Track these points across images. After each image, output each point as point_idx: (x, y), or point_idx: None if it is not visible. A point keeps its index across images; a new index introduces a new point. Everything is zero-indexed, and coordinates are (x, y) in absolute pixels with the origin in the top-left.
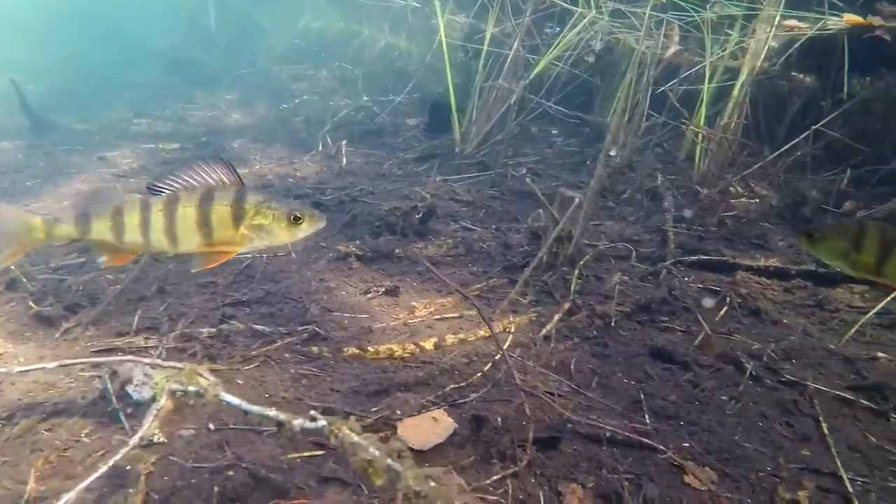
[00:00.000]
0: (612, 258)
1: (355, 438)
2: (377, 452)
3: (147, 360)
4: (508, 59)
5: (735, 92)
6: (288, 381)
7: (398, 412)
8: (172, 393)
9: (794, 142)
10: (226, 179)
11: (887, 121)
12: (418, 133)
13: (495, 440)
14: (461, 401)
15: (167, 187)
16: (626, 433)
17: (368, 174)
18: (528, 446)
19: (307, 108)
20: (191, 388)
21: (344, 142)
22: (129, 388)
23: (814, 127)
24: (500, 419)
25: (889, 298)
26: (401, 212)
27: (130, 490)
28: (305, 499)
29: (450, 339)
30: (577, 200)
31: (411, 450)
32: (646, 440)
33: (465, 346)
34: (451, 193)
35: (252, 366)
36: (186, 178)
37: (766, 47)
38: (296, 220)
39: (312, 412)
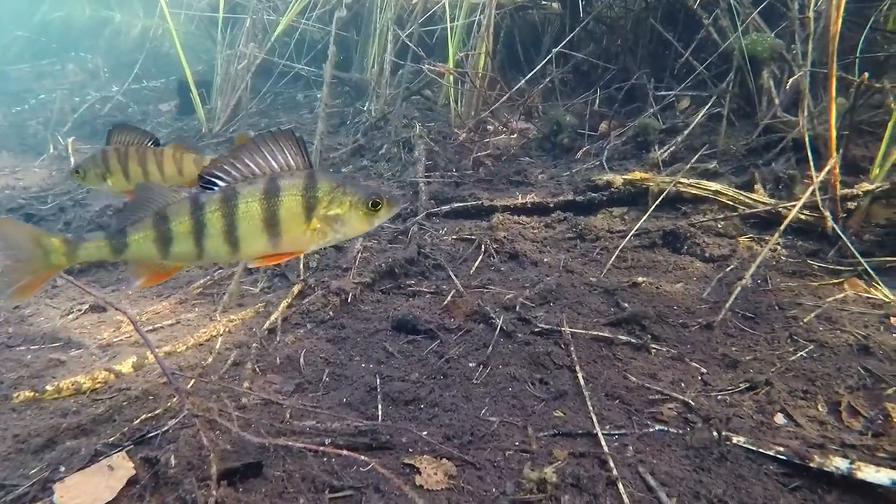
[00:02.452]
0: None
1: None
2: None
3: None
4: (247, 23)
5: (482, 27)
6: None
7: (62, 469)
8: None
9: (535, 69)
10: (292, 161)
11: (629, 36)
12: (172, 118)
13: (180, 481)
14: (152, 434)
15: (224, 177)
16: (351, 436)
17: None
18: (213, 484)
19: (48, 108)
20: None
21: (71, 139)
22: None
23: (555, 50)
24: (188, 453)
25: (644, 218)
26: (113, 210)
27: None
28: None
29: (153, 355)
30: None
31: None
32: (375, 440)
33: (172, 361)
34: None
35: None
36: (249, 162)
37: None
38: (374, 206)
39: None
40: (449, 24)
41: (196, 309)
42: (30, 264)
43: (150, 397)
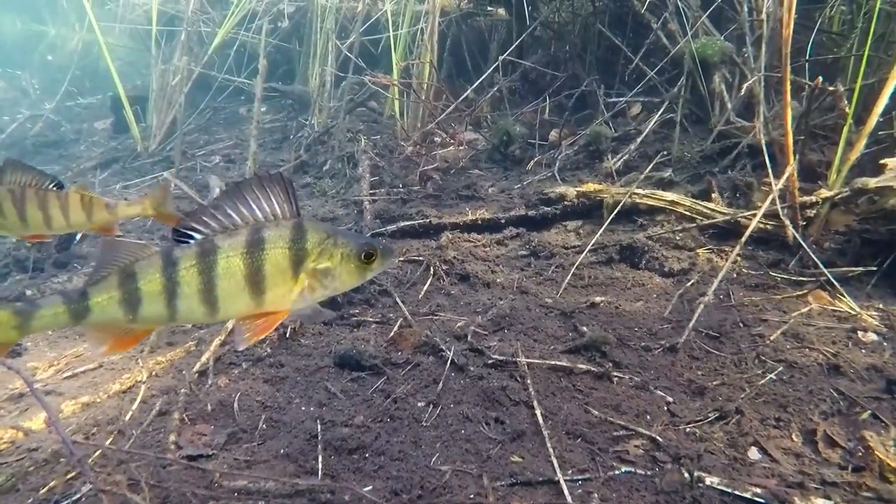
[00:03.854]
0: None
1: None
2: None
3: None
4: (182, 35)
5: (426, 35)
6: None
7: None
8: None
9: (482, 77)
10: (278, 209)
11: (577, 41)
12: (107, 136)
13: None
14: None
15: (202, 229)
16: (287, 497)
17: None
18: None
19: None
20: None
21: None
22: None
23: (502, 57)
24: None
25: (600, 233)
26: (32, 243)
27: None
28: None
29: (69, 406)
30: (218, 189)
31: None
32: (314, 500)
33: (91, 413)
34: None
35: None
36: (230, 212)
37: None
38: (367, 258)
39: None
40: (392, 33)
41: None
42: None
43: (62, 460)
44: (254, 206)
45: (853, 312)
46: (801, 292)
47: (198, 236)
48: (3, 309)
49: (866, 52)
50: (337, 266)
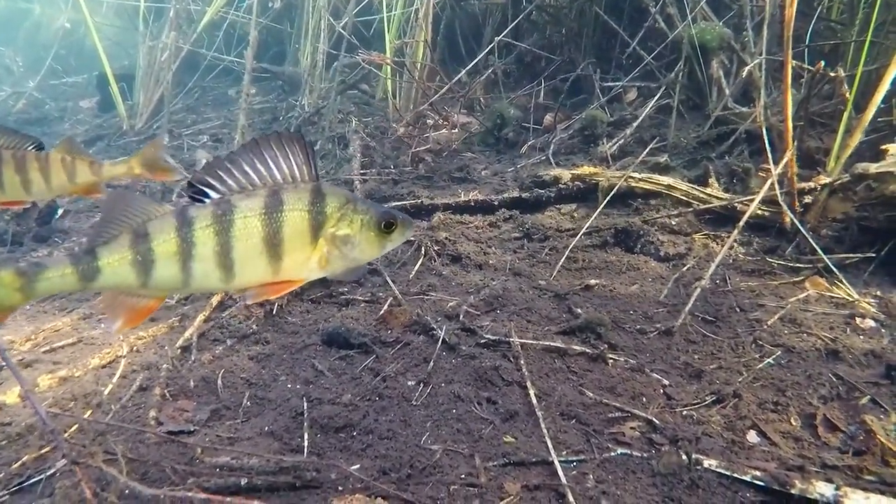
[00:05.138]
0: None
1: None
2: None
3: None
4: (171, 12)
5: (420, 14)
6: None
7: None
8: None
9: (476, 60)
10: (297, 171)
11: (573, 25)
12: (93, 114)
13: None
14: (34, 480)
15: (218, 186)
16: (271, 474)
17: None
18: None
19: None
20: None
21: None
22: None
23: (497, 38)
24: None
25: (595, 216)
26: (11, 214)
27: None
28: None
29: (45, 380)
30: (205, 161)
31: None
32: (299, 478)
33: (69, 387)
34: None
35: None
36: (247, 169)
37: None
38: (387, 228)
39: None
40: (386, 14)
41: (102, 325)
42: None
43: (35, 433)
44: (272, 165)
45: (851, 299)
46: (798, 278)
47: (213, 194)
48: (6, 269)
49: (868, 39)
50: (357, 233)
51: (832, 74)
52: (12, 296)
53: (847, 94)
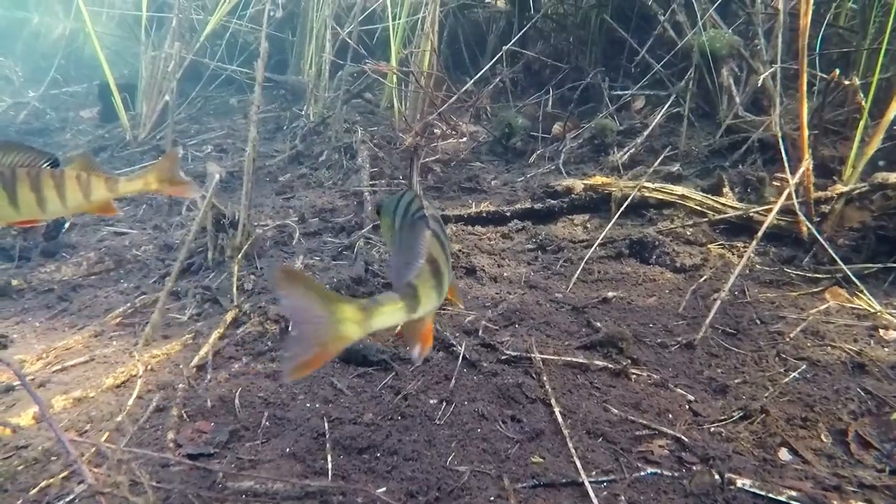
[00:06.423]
0: (303, 237)
1: None
2: None
3: None
4: (173, 22)
5: (427, 22)
6: None
7: None
8: None
9: (485, 68)
10: None
11: (580, 33)
12: (95, 125)
13: None
14: None
15: None
16: (297, 499)
17: None
18: None
19: None
20: None
21: None
22: None
23: (505, 47)
24: None
25: (608, 227)
26: (17, 229)
27: None
28: None
29: (60, 401)
30: (217, 176)
31: None
32: (325, 502)
33: (84, 408)
34: None
35: None
36: None
37: None
38: None
39: None
40: (391, 23)
41: (114, 342)
42: (317, 335)
43: (53, 458)
44: None
45: (872, 310)
46: (817, 289)
47: None
48: (349, 303)
49: (884, 46)
50: None
51: (847, 83)
52: (352, 329)
53: (863, 103)
